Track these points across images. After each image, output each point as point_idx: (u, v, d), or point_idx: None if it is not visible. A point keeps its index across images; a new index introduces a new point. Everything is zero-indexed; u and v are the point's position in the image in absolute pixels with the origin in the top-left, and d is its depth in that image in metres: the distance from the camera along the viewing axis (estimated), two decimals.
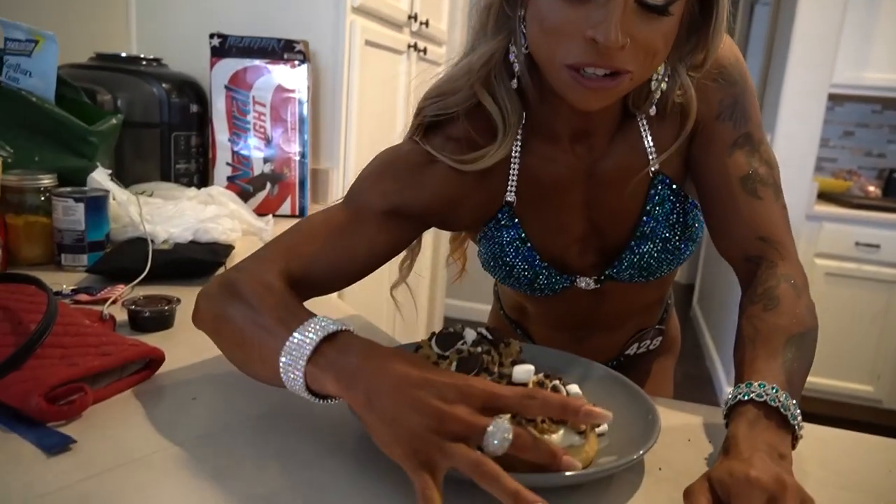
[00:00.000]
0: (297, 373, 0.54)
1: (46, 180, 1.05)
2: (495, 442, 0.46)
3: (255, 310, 0.60)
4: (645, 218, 0.79)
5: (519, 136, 0.76)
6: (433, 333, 0.65)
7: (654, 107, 0.75)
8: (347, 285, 0.76)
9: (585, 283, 0.84)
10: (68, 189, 1.05)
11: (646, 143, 0.77)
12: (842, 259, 2.86)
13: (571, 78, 0.63)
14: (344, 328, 0.56)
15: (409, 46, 2.08)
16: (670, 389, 1.08)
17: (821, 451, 0.65)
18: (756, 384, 0.59)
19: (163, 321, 0.81)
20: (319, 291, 0.74)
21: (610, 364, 0.98)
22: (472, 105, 0.74)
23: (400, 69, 2.07)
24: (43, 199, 1.05)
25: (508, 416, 0.50)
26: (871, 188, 3.24)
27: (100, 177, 1.11)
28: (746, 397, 0.58)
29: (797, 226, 2.83)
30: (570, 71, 0.63)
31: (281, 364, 0.54)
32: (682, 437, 0.65)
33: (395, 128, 2.11)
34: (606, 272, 0.83)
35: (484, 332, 0.66)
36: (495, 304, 1.10)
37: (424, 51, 2.17)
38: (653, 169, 0.77)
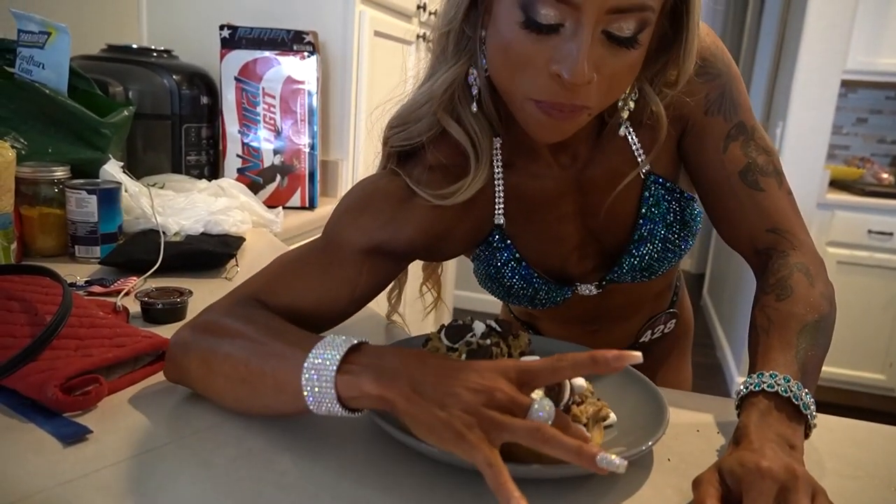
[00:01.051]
0: (325, 385, 0.51)
1: (60, 172, 1.07)
2: (541, 413, 0.47)
3: (256, 340, 0.58)
4: (642, 220, 0.77)
5: (499, 157, 0.74)
6: (442, 326, 0.66)
7: (622, 129, 0.73)
8: (331, 326, 0.72)
9: (587, 289, 0.82)
10: (81, 181, 1.06)
11: (633, 146, 0.75)
12: (854, 247, 2.84)
13: (533, 110, 0.62)
14: (365, 340, 0.55)
15: (419, 37, 2.07)
16: (689, 372, 1.07)
17: (832, 440, 0.65)
18: (768, 374, 0.59)
19: (175, 313, 0.82)
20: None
21: None
22: (438, 132, 0.71)
23: (409, 59, 2.07)
24: (57, 190, 1.06)
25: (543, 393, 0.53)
26: (885, 175, 3.21)
27: (112, 169, 1.12)
28: (758, 388, 0.58)
29: (809, 214, 2.81)
30: (533, 104, 0.62)
31: (304, 381, 0.52)
32: (691, 427, 0.65)
33: None
34: (607, 277, 0.81)
35: (493, 324, 0.66)
36: (504, 306, 1.10)
37: None
38: (643, 171, 0.76)
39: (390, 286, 0.84)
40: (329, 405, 0.52)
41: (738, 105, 0.75)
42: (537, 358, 0.57)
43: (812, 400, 0.58)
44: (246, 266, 1.09)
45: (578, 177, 0.76)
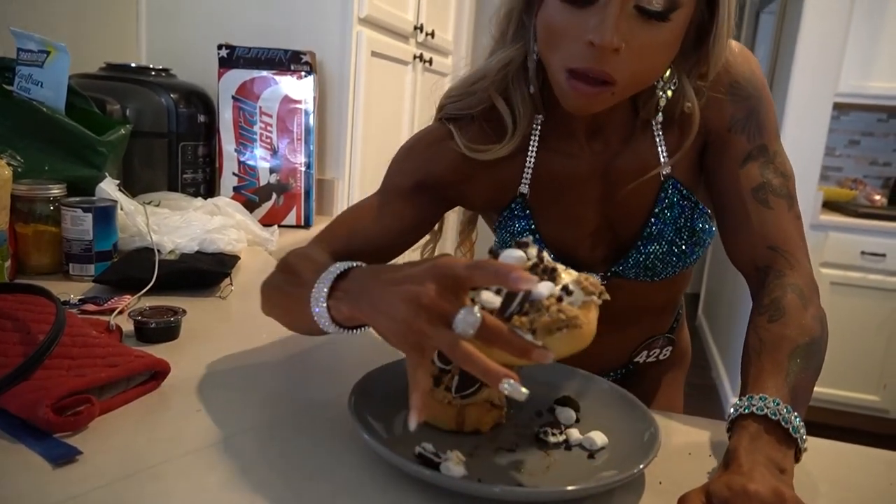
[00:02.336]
0: (322, 310, 0.59)
1: (56, 190, 1.07)
2: (463, 323, 0.49)
3: (297, 273, 0.68)
4: (653, 219, 0.81)
5: (537, 133, 0.80)
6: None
7: (660, 114, 0.77)
8: (387, 260, 0.82)
9: (595, 276, 0.84)
10: (77, 199, 1.07)
11: (658, 146, 0.79)
12: (847, 268, 2.86)
13: (566, 81, 0.67)
14: (355, 265, 0.61)
15: (415, 57, 2.09)
16: (680, 401, 1.08)
17: (825, 464, 0.65)
18: (757, 397, 0.59)
19: (169, 332, 0.82)
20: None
21: (620, 372, 0.99)
22: (489, 106, 0.79)
23: (406, 79, 2.09)
24: (52, 208, 1.06)
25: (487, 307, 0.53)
26: (877, 197, 3.23)
27: (108, 187, 1.12)
28: (748, 411, 0.59)
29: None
30: (566, 74, 0.67)
31: (312, 308, 0.60)
32: (683, 450, 0.65)
33: (400, 137, 2.12)
34: (613, 269, 0.85)
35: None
36: None
37: (430, 61, 2.18)
38: (663, 172, 0.80)
39: (425, 240, 0.91)
40: (328, 326, 0.60)
41: (763, 129, 0.78)
42: (521, 254, 0.56)
43: (802, 423, 0.59)
44: (241, 285, 1.09)
45: (606, 165, 0.81)
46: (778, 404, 0.58)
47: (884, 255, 2.81)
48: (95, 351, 0.68)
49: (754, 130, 0.78)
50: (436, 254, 0.91)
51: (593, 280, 0.56)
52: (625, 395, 0.69)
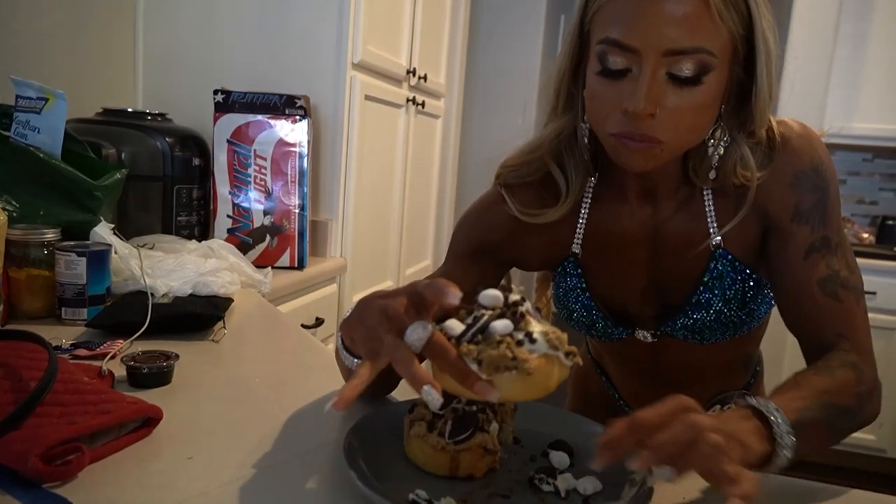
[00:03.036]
0: (337, 335, 0.68)
1: (50, 234, 1.07)
2: (412, 335, 0.54)
3: None
4: (702, 288, 0.82)
5: (590, 194, 0.85)
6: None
7: (714, 173, 0.77)
8: None
9: (643, 335, 0.88)
10: (71, 243, 1.07)
11: (708, 216, 0.80)
12: None
13: (616, 142, 0.72)
14: None
15: (408, 100, 2.13)
16: None
17: None
18: (762, 399, 0.61)
19: (161, 377, 0.82)
20: None
21: None
22: (543, 174, 0.84)
23: (399, 122, 2.12)
24: (46, 252, 1.06)
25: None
26: (865, 235, 3.27)
27: (103, 231, 1.13)
28: (746, 403, 0.61)
29: None
30: (614, 137, 0.71)
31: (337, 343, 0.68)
32: (677, 495, 0.65)
33: (394, 179, 2.14)
34: (662, 329, 0.86)
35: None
36: (584, 346, 1.14)
37: (423, 104, 2.22)
38: (713, 243, 0.80)
39: None
40: (344, 354, 0.67)
41: (827, 221, 0.77)
42: (498, 293, 0.58)
43: (790, 436, 0.58)
44: (234, 328, 1.08)
45: (657, 228, 0.83)
46: (777, 409, 0.59)
47: (875, 293, 2.83)
48: (87, 398, 0.68)
49: (818, 222, 0.76)
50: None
51: (563, 337, 0.56)
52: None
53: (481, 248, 0.87)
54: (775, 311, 0.84)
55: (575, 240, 0.86)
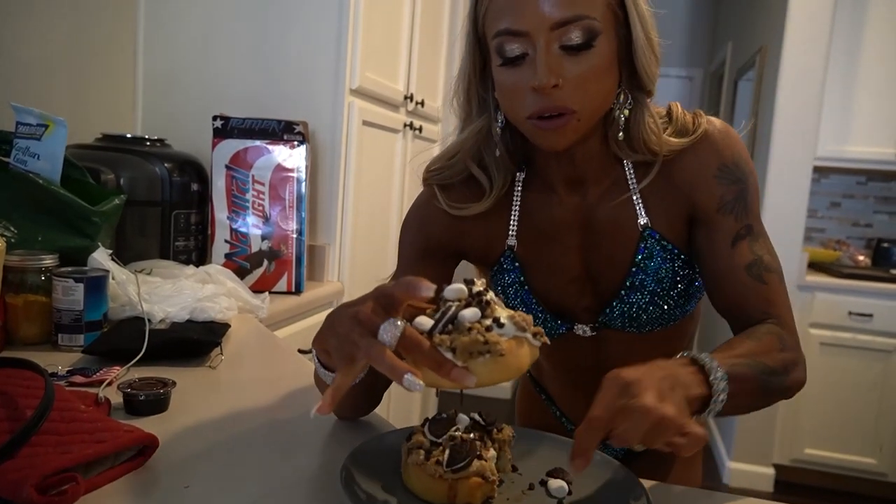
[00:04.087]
0: (313, 350, 0.68)
1: (48, 260, 1.07)
2: (385, 332, 0.55)
3: None
4: (634, 269, 0.84)
5: (520, 187, 0.88)
6: (426, 419, 0.66)
7: (622, 135, 0.80)
8: None
9: (582, 330, 0.89)
10: (69, 269, 1.07)
11: (634, 197, 0.84)
12: (836, 329, 2.87)
13: (533, 126, 0.75)
14: None
15: (405, 125, 2.15)
16: (699, 471, 1.08)
17: None
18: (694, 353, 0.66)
19: (158, 405, 0.82)
20: None
21: None
22: (467, 175, 0.87)
23: (396, 147, 2.13)
24: (44, 278, 1.06)
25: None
26: (861, 257, 3.28)
27: (100, 257, 1.13)
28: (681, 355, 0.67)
29: (790, 296, 2.84)
30: (530, 121, 0.75)
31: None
32: None
33: (391, 203, 2.15)
34: (599, 319, 0.88)
35: (477, 417, 0.67)
36: None
37: (420, 129, 2.24)
38: (641, 223, 0.83)
39: None
40: (320, 369, 0.69)
41: (749, 210, 0.82)
42: (462, 286, 0.60)
43: (724, 381, 0.64)
44: (230, 354, 1.08)
45: (587, 215, 0.86)
46: (709, 357, 0.64)
47: (871, 316, 2.83)
48: (83, 426, 0.67)
49: (741, 211, 0.82)
50: None
51: (528, 318, 0.60)
52: (618, 467, 0.69)
53: (427, 249, 0.90)
54: (706, 314, 0.87)
55: (510, 232, 0.88)
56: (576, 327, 0.90)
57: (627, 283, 0.84)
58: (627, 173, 0.84)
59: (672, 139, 0.81)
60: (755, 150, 3.26)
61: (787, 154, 2.83)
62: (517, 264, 0.88)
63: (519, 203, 0.88)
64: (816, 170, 3.02)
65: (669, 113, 0.84)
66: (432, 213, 0.89)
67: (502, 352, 0.56)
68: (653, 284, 0.84)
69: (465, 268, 1.00)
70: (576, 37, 0.72)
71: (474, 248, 0.91)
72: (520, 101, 0.75)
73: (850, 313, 2.85)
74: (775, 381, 0.72)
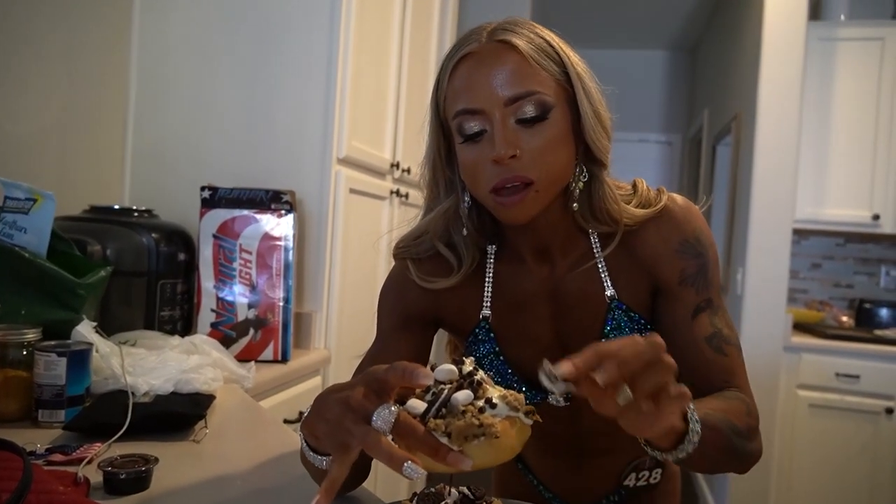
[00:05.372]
0: (300, 434, 0.68)
1: (31, 334, 1.06)
2: (379, 418, 0.55)
3: None
4: (603, 340, 0.82)
5: (491, 260, 0.90)
6: (414, 494, 0.65)
7: (576, 205, 0.83)
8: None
9: (555, 400, 0.89)
10: (52, 343, 1.06)
11: (600, 269, 0.86)
12: (824, 390, 2.87)
13: (494, 201, 0.78)
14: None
15: (392, 192, 2.18)
16: None
17: None
18: None
19: (139, 483, 0.80)
20: None
21: (613, 499, 1.00)
22: (434, 252, 0.90)
23: (383, 213, 2.16)
24: (25, 353, 1.05)
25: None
26: (844, 318, 3.31)
27: (84, 330, 1.12)
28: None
29: (776, 357, 2.86)
30: (493, 195, 0.78)
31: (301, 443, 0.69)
32: None
33: (378, 269, 2.16)
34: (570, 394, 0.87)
35: (466, 491, 0.66)
36: None
37: (406, 196, 2.27)
38: (607, 294, 0.85)
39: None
40: (308, 452, 0.67)
41: (710, 284, 0.85)
42: (454, 369, 0.61)
43: (699, 424, 0.64)
44: (215, 427, 1.06)
45: (556, 286, 0.88)
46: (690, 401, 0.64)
47: (858, 377, 2.84)
48: None
49: (702, 285, 0.84)
50: None
51: (520, 397, 0.60)
52: None
53: (406, 318, 0.91)
54: None
55: (484, 304, 0.90)
56: (549, 397, 0.90)
57: None
58: (593, 243, 0.87)
59: (634, 209, 0.84)
60: (735, 212, 3.33)
61: (767, 217, 2.89)
62: (492, 335, 0.90)
63: (492, 275, 0.90)
64: (796, 232, 3.08)
65: (634, 186, 0.88)
66: (408, 282, 0.91)
67: (497, 434, 0.56)
68: None
69: (441, 337, 1.01)
70: (529, 110, 0.76)
71: (450, 317, 0.93)
72: (481, 175, 0.78)
73: (838, 374, 2.85)
74: (740, 443, 0.73)
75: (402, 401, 0.60)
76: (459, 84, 0.79)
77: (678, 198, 0.87)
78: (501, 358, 0.90)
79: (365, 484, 0.85)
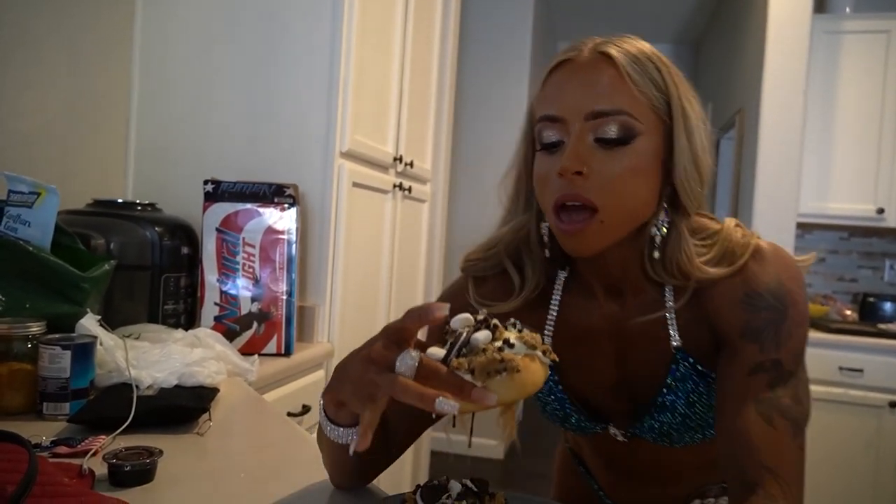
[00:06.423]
0: (319, 406, 0.67)
1: (35, 328, 1.06)
2: (402, 364, 0.56)
3: None
4: (665, 390, 0.80)
5: (560, 287, 0.85)
6: (418, 486, 0.65)
7: (658, 253, 0.76)
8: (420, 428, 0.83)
9: (614, 432, 0.87)
10: (56, 336, 1.06)
11: (668, 317, 0.79)
12: (828, 384, 2.87)
13: (556, 221, 0.73)
14: None
15: (395, 186, 2.18)
16: None
17: None
18: None
19: (144, 475, 0.80)
20: (414, 419, 0.79)
21: None
22: (501, 270, 0.85)
23: (386, 207, 2.16)
24: (30, 346, 1.05)
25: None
26: (848, 312, 3.30)
27: (88, 323, 1.12)
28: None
29: None
30: (555, 216, 0.73)
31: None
32: None
33: (381, 263, 2.16)
34: (629, 430, 0.85)
35: (469, 483, 0.66)
36: (562, 437, 1.13)
37: (409, 189, 2.27)
38: (673, 345, 0.79)
39: None
40: (326, 426, 0.66)
41: (781, 344, 0.72)
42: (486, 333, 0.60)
43: None
44: (219, 420, 1.07)
45: (622, 326, 0.82)
46: None
47: (861, 371, 2.83)
48: (66, 501, 0.66)
49: (770, 343, 0.72)
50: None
51: (536, 337, 0.61)
52: None
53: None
54: None
55: (546, 332, 0.85)
56: (609, 428, 0.87)
57: (659, 401, 0.81)
58: (665, 293, 0.79)
59: (708, 269, 0.75)
60: (739, 207, 3.32)
61: (771, 211, 2.89)
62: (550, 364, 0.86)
63: (558, 303, 0.85)
64: (800, 226, 3.07)
65: (717, 233, 0.78)
66: (461, 302, 0.84)
67: (518, 367, 0.57)
68: (684, 407, 0.80)
69: None
70: (611, 130, 0.71)
71: None
72: (547, 187, 0.74)
73: (841, 368, 2.85)
74: None
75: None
76: (549, 90, 0.75)
77: (765, 247, 0.77)
78: (560, 387, 0.86)
79: None
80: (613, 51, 0.73)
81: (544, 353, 0.60)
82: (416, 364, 0.56)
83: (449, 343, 0.59)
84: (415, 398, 0.54)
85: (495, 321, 0.61)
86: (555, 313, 0.85)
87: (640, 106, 0.72)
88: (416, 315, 0.57)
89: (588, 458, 1.04)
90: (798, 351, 0.73)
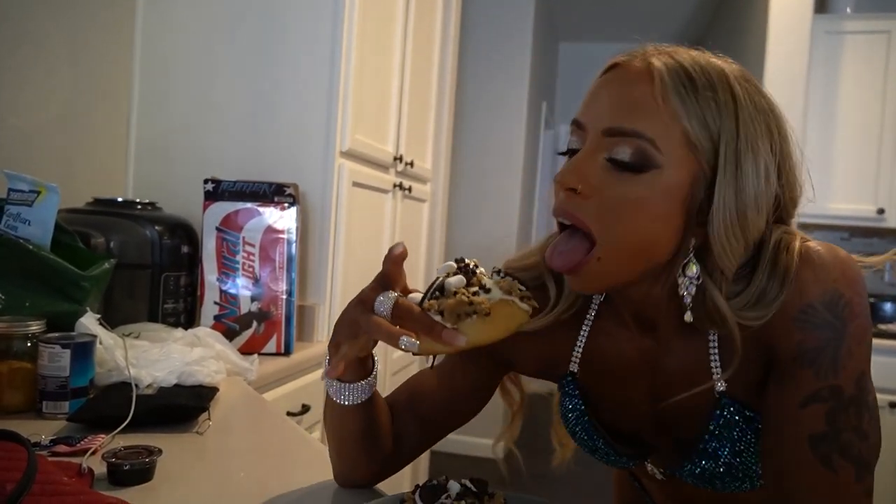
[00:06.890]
0: (324, 363, 0.70)
1: (35, 326, 1.06)
2: (379, 304, 0.62)
3: None
4: (707, 436, 0.70)
5: (593, 314, 0.79)
6: (417, 486, 0.65)
7: (689, 315, 0.66)
8: (453, 424, 0.86)
9: (652, 470, 0.81)
10: (56, 335, 1.06)
11: (711, 357, 0.69)
12: None
13: (550, 250, 0.69)
14: None
15: (395, 185, 2.18)
16: None
17: None
18: None
19: (143, 474, 0.80)
20: (425, 423, 0.83)
21: None
22: (542, 282, 0.79)
23: (386, 207, 2.16)
24: (29, 344, 1.05)
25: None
26: None
27: (88, 322, 1.12)
28: None
29: None
30: (558, 231, 0.70)
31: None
32: None
33: (380, 262, 2.16)
34: (670, 471, 0.78)
35: (468, 483, 0.66)
36: None
37: (409, 189, 2.27)
38: (717, 390, 0.69)
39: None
40: (331, 386, 0.70)
41: (839, 368, 0.62)
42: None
43: None
44: (218, 419, 1.07)
45: (657, 361, 0.74)
46: None
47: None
48: (65, 500, 0.66)
49: (827, 367, 0.61)
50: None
51: (515, 284, 0.63)
52: None
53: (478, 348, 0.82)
54: None
55: (573, 357, 0.79)
56: (647, 465, 0.81)
57: (700, 448, 0.71)
58: (710, 333, 0.70)
59: (747, 314, 0.64)
60: None
61: None
62: (577, 392, 0.79)
63: (588, 329, 0.78)
64: (800, 226, 3.06)
65: (756, 262, 0.66)
66: None
67: (487, 311, 0.59)
68: (729, 456, 0.70)
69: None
70: (622, 153, 0.63)
71: (529, 362, 0.83)
72: (556, 196, 0.68)
73: None
74: None
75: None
76: (588, 92, 0.69)
77: (819, 249, 0.65)
78: (586, 418, 0.79)
79: None
80: (659, 63, 0.64)
81: (522, 299, 0.62)
82: (392, 304, 0.61)
83: (426, 288, 0.63)
84: (384, 336, 0.60)
85: (475, 267, 0.64)
86: (584, 338, 0.79)
87: (668, 135, 0.62)
88: (393, 256, 0.64)
89: (641, 475, 0.96)
90: (860, 372, 0.62)
